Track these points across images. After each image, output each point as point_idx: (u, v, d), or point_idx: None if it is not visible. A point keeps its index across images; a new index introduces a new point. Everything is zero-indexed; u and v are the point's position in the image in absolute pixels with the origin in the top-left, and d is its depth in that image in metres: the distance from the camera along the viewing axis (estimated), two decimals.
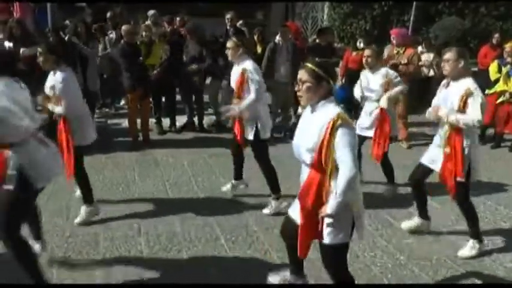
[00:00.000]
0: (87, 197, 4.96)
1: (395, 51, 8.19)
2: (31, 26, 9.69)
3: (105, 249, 4.42)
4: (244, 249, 4.48)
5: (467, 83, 4.14)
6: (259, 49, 8.61)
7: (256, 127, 5.05)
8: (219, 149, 7.21)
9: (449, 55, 4.19)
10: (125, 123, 8.28)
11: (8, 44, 7.31)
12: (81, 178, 4.95)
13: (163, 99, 8.50)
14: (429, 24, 12.99)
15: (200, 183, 6.09)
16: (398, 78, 5.66)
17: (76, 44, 7.47)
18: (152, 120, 8.05)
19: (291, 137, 6.84)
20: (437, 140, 4.48)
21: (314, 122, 2.93)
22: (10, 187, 3.32)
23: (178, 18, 9.58)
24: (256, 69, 5.03)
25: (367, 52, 5.65)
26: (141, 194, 5.71)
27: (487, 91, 8.00)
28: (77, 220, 4.86)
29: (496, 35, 10.06)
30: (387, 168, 5.72)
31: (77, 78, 5.15)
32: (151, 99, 7.93)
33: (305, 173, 3.08)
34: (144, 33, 7.43)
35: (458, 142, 4.18)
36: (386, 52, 8.46)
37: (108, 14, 9.62)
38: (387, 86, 5.54)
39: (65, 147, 4.64)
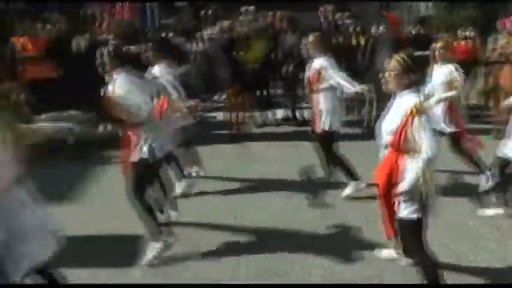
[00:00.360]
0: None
1: (506, 40, 7.62)
2: (138, 25, 10.28)
3: (203, 236, 4.50)
4: (341, 243, 4.40)
5: None
6: (355, 41, 8.42)
7: (327, 118, 5.21)
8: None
9: None
10: (221, 116, 8.50)
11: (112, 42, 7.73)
12: None
13: (262, 93, 8.58)
14: None
15: (296, 175, 6.05)
16: (459, 81, 5.32)
17: (176, 42, 7.74)
18: (249, 114, 8.17)
19: None
20: None
21: (396, 108, 3.21)
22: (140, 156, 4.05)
23: (271, 13, 9.55)
24: (331, 63, 5.17)
25: (439, 43, 5.48)
26: (239, 186, 5.80)
27: None
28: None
29: None
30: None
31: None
32: (248, 93, 8.03)
33: (382, 153, 3.35)
34: (241, 29, 7.51)
35: None
36: (492, 43, 7.95)
37: (205, 12, 9.87)
38: (448, 85, 5.28)
39: None
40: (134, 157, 4.13)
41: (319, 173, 5.75)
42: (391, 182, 3.24)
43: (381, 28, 7.90)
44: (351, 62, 8.33)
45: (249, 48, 7.53)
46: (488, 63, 8.09)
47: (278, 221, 4.82)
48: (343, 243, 4.39)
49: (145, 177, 4.21)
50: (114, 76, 4.24)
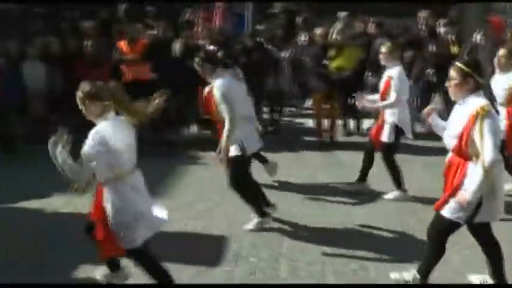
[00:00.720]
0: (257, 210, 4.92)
1: None
2: (230, 32, 10.59)
3: (290, 249, 4.53)
4: None
5: None
6: (455, 49, 8.05)
7: (392, 130, 5.36)
8: (405, 155, 6.91)
9: None
10: (309, 123, 8.48)
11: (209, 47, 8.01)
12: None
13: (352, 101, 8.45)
14: None
15: (386, 185, 5.91)
16: None
17: (268, 48, 7.84)
18: (339, 122, 8.11)
19: None
20: None
21: (460, 114, 3.30)
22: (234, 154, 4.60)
23: (371, 19, 9.36)
24: (401, 78, 5.33)
25: (501, 52, 5.41)
26: (326, 194, 5.79)
27: None
28: (248, 227, 4.87)
29: None
30: None
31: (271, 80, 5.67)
32: (338, 101, 7.97)
33: (448, 156, 3.47)
34: (335, 36, 7.45)
35: None
36: None
37: (298, 18, 9.90)
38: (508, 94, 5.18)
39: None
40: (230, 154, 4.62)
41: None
42: (453, 186, 3.34)
43: (479, 36, 7.42)
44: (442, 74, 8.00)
45: (341, 56, 7.44)
46: None
47: (362, 230, 4.85)
48: None
49: (241, 172, 4.71)
50: (212, 79, 4.67)
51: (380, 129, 5.49)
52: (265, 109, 8.24)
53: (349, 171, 6.48)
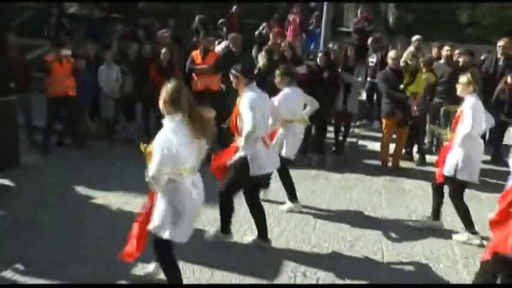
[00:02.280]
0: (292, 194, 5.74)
1: None
2: (299, 48, 10.66)
3: (349, 268, 4.51)
4: None
5: None
6: None
7: (457, 165, 5.00)
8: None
9: None
10: (372, 145, 8.34)
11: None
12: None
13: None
14: None
15: (448, 221, 5.72)
16: None
17: (339, 71, 7.78)
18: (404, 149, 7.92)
19: None
20: None
21: None
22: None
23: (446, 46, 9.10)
24: (474, 108, 4.94)
25: None
26: (386, 221, 5.67)
27: None
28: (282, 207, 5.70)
29: None
30: None
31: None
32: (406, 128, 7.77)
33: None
34: (409, 61, 7.32)
35: None
36: None
37: (370, 39, 9.81)
38: None
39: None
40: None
41: None
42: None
43: None
44: None
45: (415, 81, 7.28)
46: None
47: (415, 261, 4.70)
48: None
49: (235, 184, 4.63)
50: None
51: (446, 160, 5.13)
52: (331, 129, 8.17)
53: (412, 199, 6.35)
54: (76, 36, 10.44)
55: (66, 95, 7.54)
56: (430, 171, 7.60)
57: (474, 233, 5.09)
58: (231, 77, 4.66)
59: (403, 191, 6.70)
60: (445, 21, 14.97)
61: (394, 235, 5.27)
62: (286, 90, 5.57)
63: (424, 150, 8.07)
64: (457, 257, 4.86)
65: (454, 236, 5.21)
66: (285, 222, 5.43)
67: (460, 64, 7.76)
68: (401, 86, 7.17)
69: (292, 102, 5.61)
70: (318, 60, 7.55)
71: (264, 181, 5.27)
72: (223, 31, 10.95)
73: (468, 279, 4.37)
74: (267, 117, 4.74)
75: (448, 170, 5.06)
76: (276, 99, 5.38)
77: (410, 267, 4.64)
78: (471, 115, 4.89)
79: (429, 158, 8.05)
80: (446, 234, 5.31)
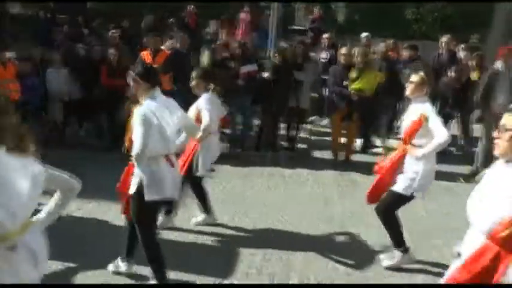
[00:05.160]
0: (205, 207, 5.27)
1: None
2: (251, 47, 10.72)
3: (302, 262, 4.57)
4: None
5: None
6: (475, 75, 8.04)
7: (415, 182, 4.30)
8: None
9: None
10: (324, 140, 8.52)
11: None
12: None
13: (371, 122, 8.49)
14: None
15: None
16: None
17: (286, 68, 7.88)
18: (355, 141, 8.14)
19: None
20: None
21: (508, 185, 2.35)
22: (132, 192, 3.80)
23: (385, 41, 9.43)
24: (436, 114, 4.33)
25: None
26: (338, 213, 5.78)
27: None
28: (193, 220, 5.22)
29: None
30: None
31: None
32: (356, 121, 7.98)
33: (477, 237, 2.47)
34: (358, 57, 7.49)
35: None
36: None
37: (323, 36, 10.01)
38: None
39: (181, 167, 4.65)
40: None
41: None
42: (484, 279, 2.43)
43: (500, 63, 7.38)
44: (461, 100, 8.02)
45: (363, 79, 7.45)
46: None
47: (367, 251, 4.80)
48: None
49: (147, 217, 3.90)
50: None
51: (402, 175, 4.39)
52: (282, 125, 8.29)
53: (364, 191, 6.50)
54: (20, 39, 10.13)
55: (10, 98, 7.26)
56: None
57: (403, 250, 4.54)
58: (131, 82, 3.84)
59: (354, 183, 6.87)
60: (393, 18, 15.47)
61: (347, 228, 5.39)
62: (205, 96, 4.93)
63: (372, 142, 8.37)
64: None
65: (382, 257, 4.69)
66: (238, 220, 5.45)
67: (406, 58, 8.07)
68: (346, 82, 7.33)
69: (214, 108, 4.96)
70: (272, 58, 7.64)
71: (166, 206, 4.74)
72: (177, 31, 10.87)
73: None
74: (174, 130, 3.92)
75: (404, 187, 4.34)
76: (198, 107, 4.84)
77: (366, 259, 4.72)
78: (439, 122, 4.25)
79: (378, 150, 8.36)
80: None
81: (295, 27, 14.75)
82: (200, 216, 5.28)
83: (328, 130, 8.61)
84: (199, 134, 4.57)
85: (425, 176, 4.30)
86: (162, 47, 8.07)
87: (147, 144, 3.58)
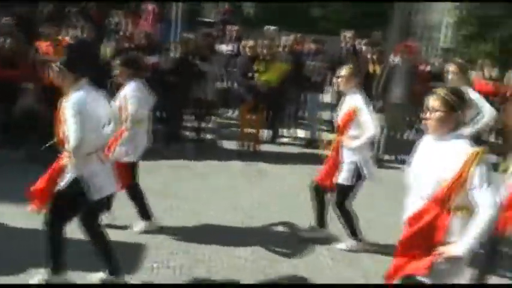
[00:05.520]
0: (144, 213, 4.85)
1: None
2: (156, 37, 10.47)
3: (208, 253, 4.52)
4: (343, 267, 4.44)
5: None
6: (375, 69, 8.46)
7: (354, 169, 4.52)
8: None
9: None
10: (231, 131, 8.57)
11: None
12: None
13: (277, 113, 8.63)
14: None
15: (304, 197, 6.04)
16: None
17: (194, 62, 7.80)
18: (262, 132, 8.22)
19: (402, 162, 6.50)
20: None
21: (442, 155, 2.70)
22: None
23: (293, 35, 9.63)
24: (368, 105, 4.54)
25: None
26: (245, 203, 5.80)
27: None
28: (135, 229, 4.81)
29: None
30: None
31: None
32: (265, 111, 8.10)
33: (418, 201, 2.79)
34: (264, 49, 7.58)
35: None
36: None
37: (228, 28, 10.03)
38: None
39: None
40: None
41: None
42: (424, 238, 2.75)
43: (397, 58, 7.87)
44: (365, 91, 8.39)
45: (269, 70, 7.55)
46: (504, 100, 8.02)
47: (278, 240, 4.87)
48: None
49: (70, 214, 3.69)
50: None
51: (340, 167, 4.60)
52: (190, 117, 8.20)
53: (270, 180, 6.66)
54: None
55: None
56: (286, 152, 8.08)
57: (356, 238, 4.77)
58: (55, 72, 3.61)
59: (261, 173, 6.95)
60: (300, 16, 15.93)
61: (254, 217, 5.41)
62: (132, 84, 4.65)
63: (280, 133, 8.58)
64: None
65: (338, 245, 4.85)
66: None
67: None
68: (252, 74, 7.40)
69: (142, 96, 4.72)
70: (174, 49, 7.51)
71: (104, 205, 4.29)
72: (80, 21, 10.34)
73: None
74: (104, 123, 3.73)
75: (345, 178, 4.55)
76: (125, 96, 4.58)
77: (272, 248, 4.75)
78: (369, 113, 4.46)
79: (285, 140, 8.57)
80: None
81: (204, 20, 14.67)
82: (139, 225, 4.86)
83: (236, 122, 8.64)
84: (125, 124, 4.46)
85: (366, 163, 4.55)
86: (66, 38, 7.68)
87: (83, 137, 3.42)
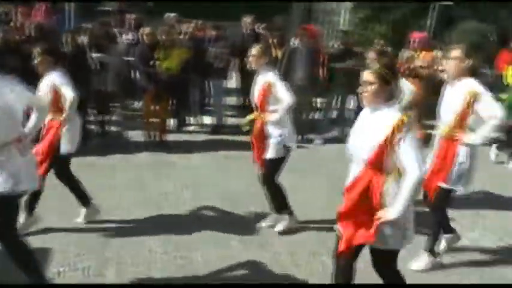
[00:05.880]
0: (84, 200, 4.88)
1: (410, 55, 8.18)
2: (51, 28, 9.88)
3: (117, 251, 4.41)
4: (254, 251, 4.50)
5: (471, 84, 3.95)
6: (277, 53, 8.61)
7: (281, 143, 4.68)
8: (233, 151, 7.28)
9: (455, 52, 4.03)
10: (137, 123, 8.30)
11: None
12: (72, 182, 4.84)
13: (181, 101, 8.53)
14: (449, 28, 12.78)
15: (214, 185, 6.08)
16: None
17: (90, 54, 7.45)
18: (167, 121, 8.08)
19: (308, 141, 6.74)
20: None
21: (376, 123, 2.93)
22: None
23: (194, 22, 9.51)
24: (281, 80, 4.71)
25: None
26: (155, 196, 5.70)
27: (500, 95, 8.11)
28: (78, 220, 4.85)
29: None
30: None
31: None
32: (169, 100, 7.98)
33: (356, 170, 3.04)
34: (163, 36, 7.40)
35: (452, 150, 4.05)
36: (404, 56, 8.43)
37: (128, 16, 9.68)
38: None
39: (45, 148, 4.48)
40: None
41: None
42: (364, 203, 2.96)
43: (297, 41, 8.06)
44: None
45: (170, 57, 7.39)
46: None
47: (189, 230, 4.84)
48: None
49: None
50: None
51: (264, 143, 4.75)
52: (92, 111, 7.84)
53: (180, 170, 6.57)
54: None
55: None
56: (193, 140, 8.02)
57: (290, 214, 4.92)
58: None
59: (169, 164, 6.85)
60: (202, 3, 15.71)
61: (163, 209, 5.35)
62: (58, 72, 4.50)
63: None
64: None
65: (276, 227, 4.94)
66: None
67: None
68: (153, 62, 7.24)
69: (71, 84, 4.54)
70: (65, 42, 7.10)
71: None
72: None
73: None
74: (20, 115, 3.42)
75: (273, 152, 4.68)
76: (53, 85, 4.43)
77: (185, 239, 4.74)
78: (283, 86, 4.62)
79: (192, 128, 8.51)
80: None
81: (104, 9, 14.03)
82: (82, 213, 4.88)
83: (140, 112, 8.41)
84: (66, 111, 4.40)
85: (291, 134, 4.77)
86: None
87: None
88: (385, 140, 2.83)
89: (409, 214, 2.95)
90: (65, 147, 4.57)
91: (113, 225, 4.90)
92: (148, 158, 7.04)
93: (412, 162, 2.79)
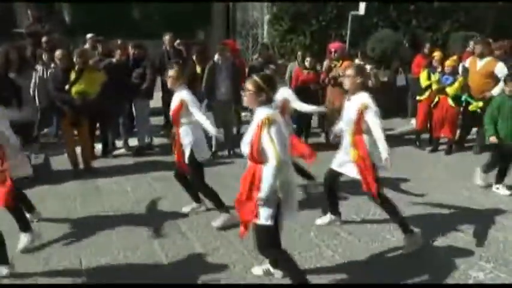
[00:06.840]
0: (25, 225, 4.95)
1: (332, 64, 8.48)
2: None
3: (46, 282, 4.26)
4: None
5: (363, 98, 4.60)
6: (198, 69, 8.63)
7: (192, 150, 5.32)
8: (162, 172, 7.18)
9: (349, 71, 4.66)
10: (62, 150, 7.94)
11: None
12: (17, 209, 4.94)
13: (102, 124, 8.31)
14: (365, 37, 13.30)
15: (145, 208, 5.99)
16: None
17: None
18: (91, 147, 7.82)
19: (235, 155, 6.96)
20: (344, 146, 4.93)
21: (254, 123, 3.61)
22: None
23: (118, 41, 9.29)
24: (193, 98, 5.30)
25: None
26: (83, 224, 5.54)
27: (418, 97, 8.77)
28: (20, 247, 4.82)
29: (427, 45, 10.56)
30: None
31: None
32: (90, 125, 7.67)
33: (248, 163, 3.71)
34: (77, 59, 7.10)
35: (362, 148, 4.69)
36: (324, 65, 8.73)
37: (44, 38, 9.29)
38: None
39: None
40: None
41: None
42: (251, 190, 3.61)
43: (217, 56, 8.12)
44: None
45: (83, 80, 7.08)
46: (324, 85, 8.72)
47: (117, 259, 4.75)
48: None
49: None
50: None
51: (182, 151, 5.39)
52: None
53: (108, 196, 6.38)
54: None
55: None
56: (122, 164, 7.86)
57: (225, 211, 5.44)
58: None
59: (97, 190, 6.67)
60: (122, 18, 15.43)
61: (92, 238, 5.22)
62: None
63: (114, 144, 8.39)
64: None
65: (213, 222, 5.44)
66: None
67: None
68: (67, 87, 6.96)
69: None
70: None
71: None
72: None
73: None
74: None
75: (189, 156, 5.32)
76: None
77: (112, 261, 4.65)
78: (195, 103, 5.26)
79: (121, 151, 8.33)
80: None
81: (21, 31, 13.37)
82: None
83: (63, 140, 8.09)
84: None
85: (199, 143, 5.37)
86: None
87: None
88: (254, 138, 3.52)
89: (282, 195, 3.64)
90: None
91: (39, 256, 4.71)
92: (76, 187, 6.78)
93: (269, 155, 3.46)
